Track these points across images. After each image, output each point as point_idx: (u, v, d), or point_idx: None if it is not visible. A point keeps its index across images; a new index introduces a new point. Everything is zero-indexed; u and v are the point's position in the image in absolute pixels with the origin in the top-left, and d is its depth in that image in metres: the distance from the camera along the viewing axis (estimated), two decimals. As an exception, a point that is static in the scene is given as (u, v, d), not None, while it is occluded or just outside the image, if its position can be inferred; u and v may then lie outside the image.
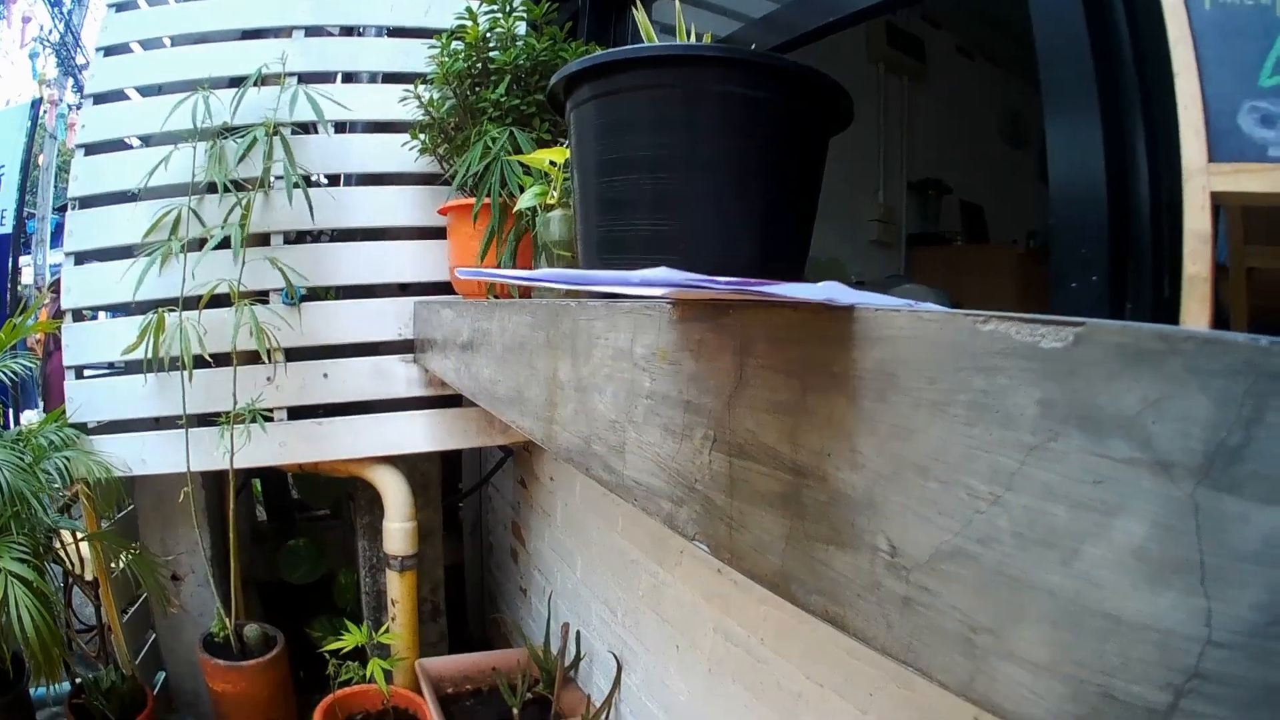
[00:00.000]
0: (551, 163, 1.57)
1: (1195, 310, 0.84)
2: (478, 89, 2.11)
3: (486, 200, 1.82)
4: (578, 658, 2.34)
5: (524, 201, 1.63)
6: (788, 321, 0.63)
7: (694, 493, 0.76)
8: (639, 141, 1.11)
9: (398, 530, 2.52)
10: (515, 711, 2.32)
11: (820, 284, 0.57)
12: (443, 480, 3.05)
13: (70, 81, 11.67)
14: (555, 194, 1.58)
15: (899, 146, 4.73)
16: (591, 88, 1.19)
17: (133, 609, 2.68)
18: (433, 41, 2.19)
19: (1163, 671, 0.39)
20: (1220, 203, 0.86)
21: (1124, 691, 0.40)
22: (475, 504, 3.65)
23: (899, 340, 0.54)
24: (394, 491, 2.52)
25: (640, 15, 1.34)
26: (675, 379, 0.79)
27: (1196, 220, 0.86)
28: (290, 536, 3.17)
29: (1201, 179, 0.86)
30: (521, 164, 1.77)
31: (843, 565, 0.58)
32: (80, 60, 11.51)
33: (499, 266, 1.81)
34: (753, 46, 1.66)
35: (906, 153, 4.74)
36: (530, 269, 1.73)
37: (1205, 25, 0.87)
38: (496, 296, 1.89)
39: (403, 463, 2.55)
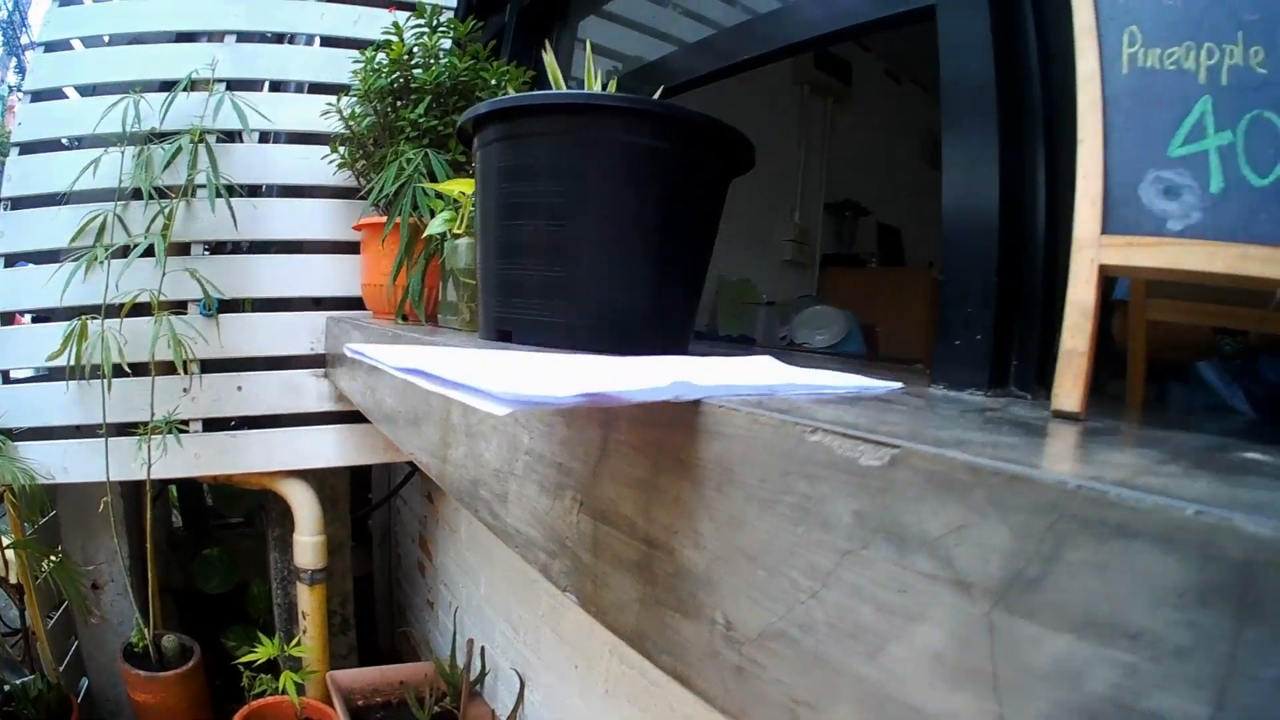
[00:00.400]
0: (462, 192, 1.59)
1: (1069, 385, 0.83)
2: (398, 106, 2.12)
3: (398, 220, 1.83)
4: (483, 673, 2.36)
5: (433, 227, 1.65)
6: (645, 405, 0.66)
7: (565, 548, 0.79)
8: (538, 188, 1.13)
9: (308, 544, 2.52)
10: (423, 725, 2.34)
11: (671, 379, 0.59)
12: (352, 492, 3.05)
13: (14, 62, 11.33)
14: (464, 223, 1.60)
15: (819, 168, 4.80)
16: (496, 130, 1.21)
17: (57, 614, 2.65)
18: (358, 55, 2.20)
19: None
20: (1109, 274, 0.86)
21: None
22: (384, 515, 3.64)
23: (736, 439, 0.57)
24: (304, 505, 2.51)
25: (549, 58, 1.35)
26: (550, 440, 0.82)
27: (1081, 293, 0.85)
28: (205, 543, 3.15)
29: (1091, 251, 0.85)
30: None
31: (687, 632, 0.61)
32: (25, 40, 11.20)
33: (407, 290, 1.83)
34: (684, 75, 1.70)
35: (826, 174, 4.81)
36: (438, 294, 1.75)
37: (1119, 90, 0.87)
38: (405, 317, 1.91)
39: (313, 477, 2.54)
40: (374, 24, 2.44)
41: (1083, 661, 0.38)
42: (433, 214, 1.74)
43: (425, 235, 1.72)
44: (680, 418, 0.62)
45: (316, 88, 2.53)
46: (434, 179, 1.86)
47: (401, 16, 2.23)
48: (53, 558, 2.38)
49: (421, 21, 2.18)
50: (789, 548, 0.52)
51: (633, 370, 0.68)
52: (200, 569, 3.05)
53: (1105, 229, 0.84)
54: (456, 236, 1.60)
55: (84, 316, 2.16)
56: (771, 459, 0.54)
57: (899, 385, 0.94)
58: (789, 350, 3.61)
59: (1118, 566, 0.38)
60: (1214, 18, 0.81)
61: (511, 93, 2.13)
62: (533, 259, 1.15)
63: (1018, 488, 0.41)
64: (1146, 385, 1.56)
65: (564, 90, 1.27)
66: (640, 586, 0.67)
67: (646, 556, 0.66)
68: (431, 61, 2.14)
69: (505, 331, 1.20)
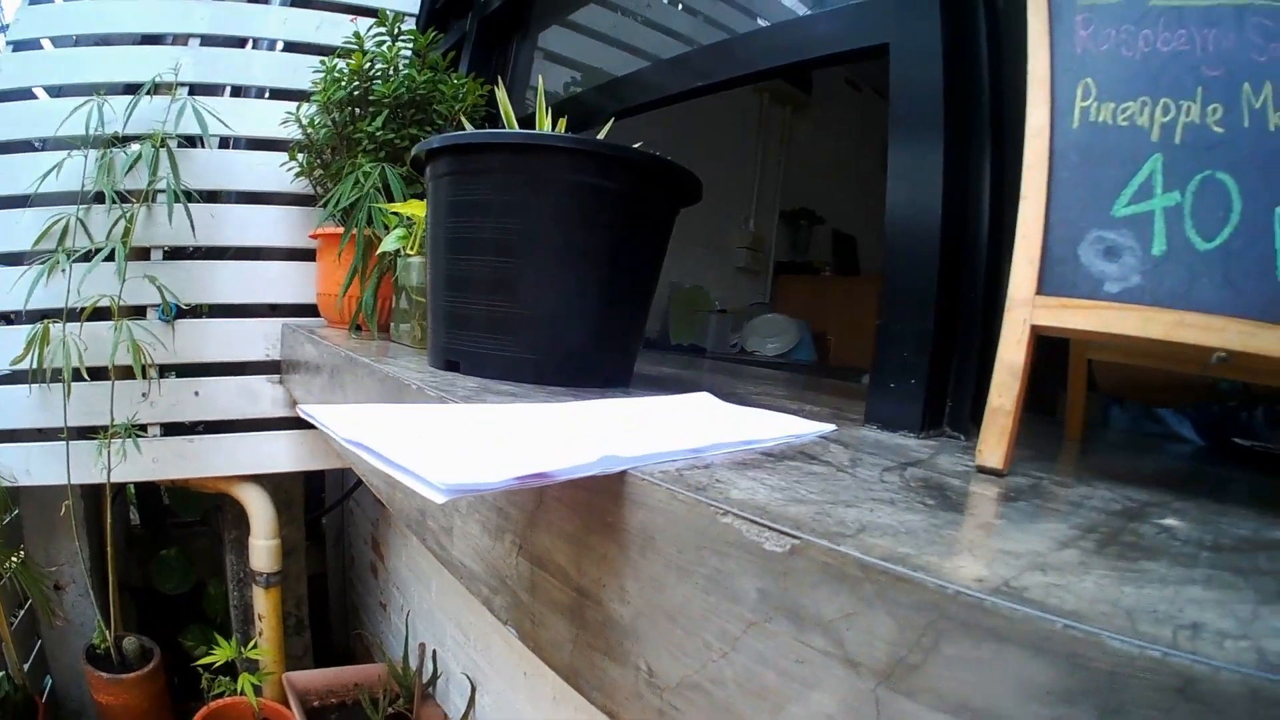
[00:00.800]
0: (414, 213, 1.63)
1: (993, 443, 0.84)
2: (356, 117, 2.14)
3: (354, 234, 1.86)
4: (435, 676, 2.39)
5: (386, 244, 1.68)
6: (578, 469, 0.70)
7: (505, 586, 0.82)
8: (486, 224, 1.16)
9: (263, 548, 2.54)
10: (377, 727, 2.38)
11: (599, 454, 0.63)
12: (306, 492, 3.07)
13: None
14: (416, 242, 1.63)
15: (776, 175, 4.83)
16: (447, 164, 1.23)
17: (20, 615, 2.64)
18: (319, 63, 2.21)
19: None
20: (1042, 334, 0.84)
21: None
22: (337, 516, 3.65)
23: (657, 510, 0.61)
24: (259, 509, 2.53)
25: (500, 94, 1.38)
26: (492, 485, 0.85)
27: (1011, 353, 0.84)
28: (162, 542, 3.16)
29: (1024, 311, 0.84)
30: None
31: (615, 674, 0.66)
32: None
33: (361, 303, 1.86)
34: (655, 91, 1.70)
35: (783, 182, 4.84)
36: (391, 304, 1.78)
37: (1067, 145, 0.85)
38: (358, 328, 1.94)
39: (268, 481, 2.56)
40: (336, 30, 2.47)
41: None
42: (387, 229, 1.76)
43: (379, 252, 1.75)
44: (608, 486, 0.66)
45: (278, 93, 2.55)
46: (390, 194, 1.89)
47: (364, 24, 2.25)
48: (14, 559, 2.38)
49: (383, 30, 2.20)
50: (703, 613, 0.56)
51: (565, 438, 0.72)
52: (158, 569, 3.06)
53: (1041, 289, 0.84)
54: (410, 255, 1.63)
55: (46, 321, 2.17)
56: (688, 533, 0.58)
57: (831, 429, 0.97)
58: (740, 358, 3.65)
59: (991, 664, 0.42)
60: (1174, 72, 0.80)
61: (469, 105, 2.17)
62: (480, 293, 1.19)
63: (902, 587, 0.45)
64: (1099, 409, 1.60)
65: (514, 130, 1.30)
66: (573, 629, 0.71)
67: (578, 604, 0.70)
68: (391, 73, 2.16)
69: (453, 362, 1.23)
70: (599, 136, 1.40)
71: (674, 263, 4.07)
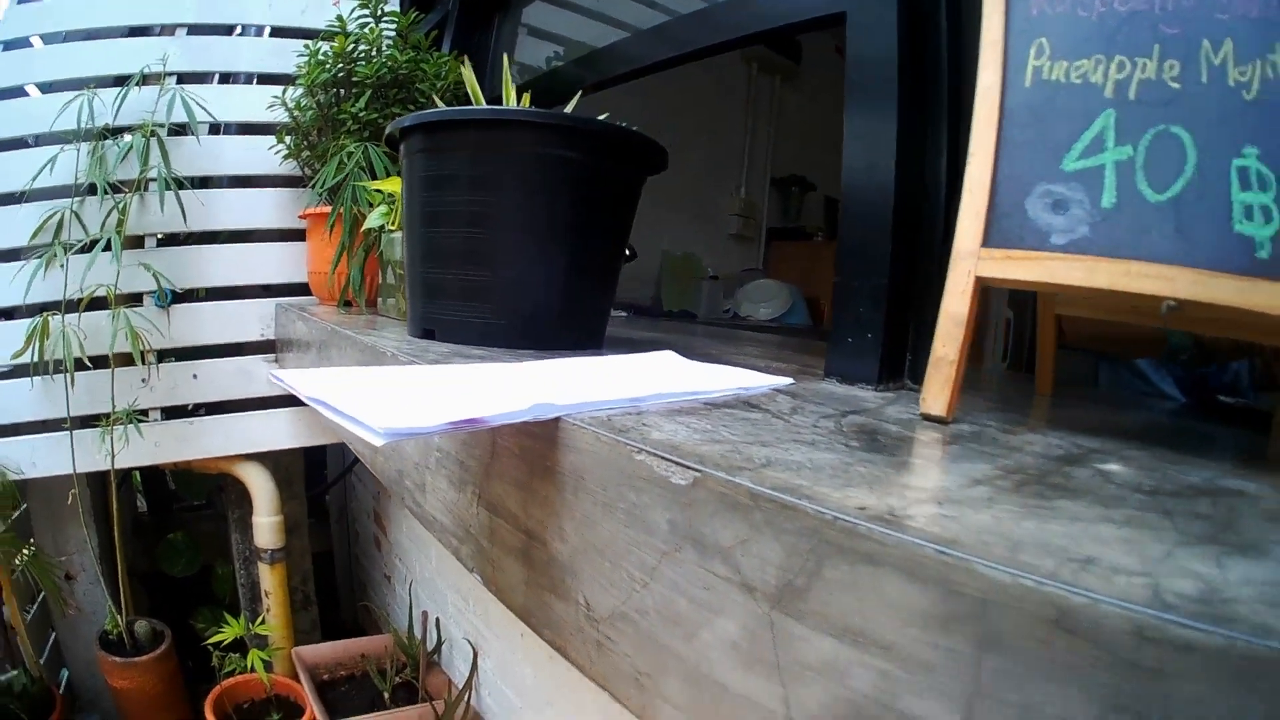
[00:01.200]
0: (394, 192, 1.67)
1: (936, 391, 0.85)
2: (341, 99, 2.18)
3: (340, 212, 1.90)
4: (439, 643, 2.45)
5: (371, 221, 1.72)
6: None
7: (470, 535, 0.87)
8: (458, 197, 1.20)
9: (266, 524, 2.60)
10: (386, 695, 2.43)
11: (531, 402, 0.67)
12: (307, 470, 3.13)
13: None
14: (399, 218, 1.67)
15: (766, 143, 4.84)
16: (419, 141, 1.27)
17: (33, 609, 2.69)
18: (305, 47, 2.24)
19: (758, 732, 0.51)
20: (987, 286, 0.86)
21: (732, 741, 0.52)
22: (340, 493, 3.71)
23: (585, 453, 0.66)
24: (260, 487, 2.59)
25: (467, 72, 1.42)
26: (454, 441, 0.90)
27: (955, 304, 0.86)
28: (169, 527, 3.20)
29: (969, 263, 0.86)
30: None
31: (560, 610, 0.70)
32: None
33: (349, 279, 1.90)
34: (637, 61, 1.71)
35: (773, 149, 4.85)
36: (378, 280, 1.82)
37: (1018, 104, 0.86)
38: (347, 304, 1.98)
39: (268, 458, 2.61)
40: (321, 14, 2.49)
41: (846, 662, 0.46)
42: (372, 205, 1.81)
43: (364, 228, 1.79)
44: (546, 433, 0.71)
45: (266, 78, 2.58)
46: (374, 172, 1.93)
47: (347, 6, 2.28)
48: (26, 551, 2.42)
49: (366, 12, 2.23)
50: (625, 545, 0.61)
51: (508, 390, 0.76)
52: (165, 553, 3.11)
53: (986, 242, 0.85)
54: (393, 230, 1.68)
55: (45, 313, 2.21)
56: (610, 472, 0.63)
57: (788, 382, 1.01)
58: (732, 323, 3.68)
59: (869, 589, 0.45)
60: (1130, 31, 0.81)
61: (450, 83, 2.20)
62: (453, 263, 1.23)
63: (787, 514, 0.49)
64: (1092, 366, 1.61)
65: (481, 106, 1.33)
66: (525, 570, 0.75)
67: (527, 545, 0.74)
68: (375, 54, 2.19)
69: (429, 330, 1.28)
70: (566, 110, 1.43)
71: (665, 231, 4.14)
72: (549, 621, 0.72)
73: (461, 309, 1.23)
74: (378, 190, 1.81)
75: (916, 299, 1.11)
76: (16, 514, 2.56)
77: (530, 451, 0.73)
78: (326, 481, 3.54)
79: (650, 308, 3.97)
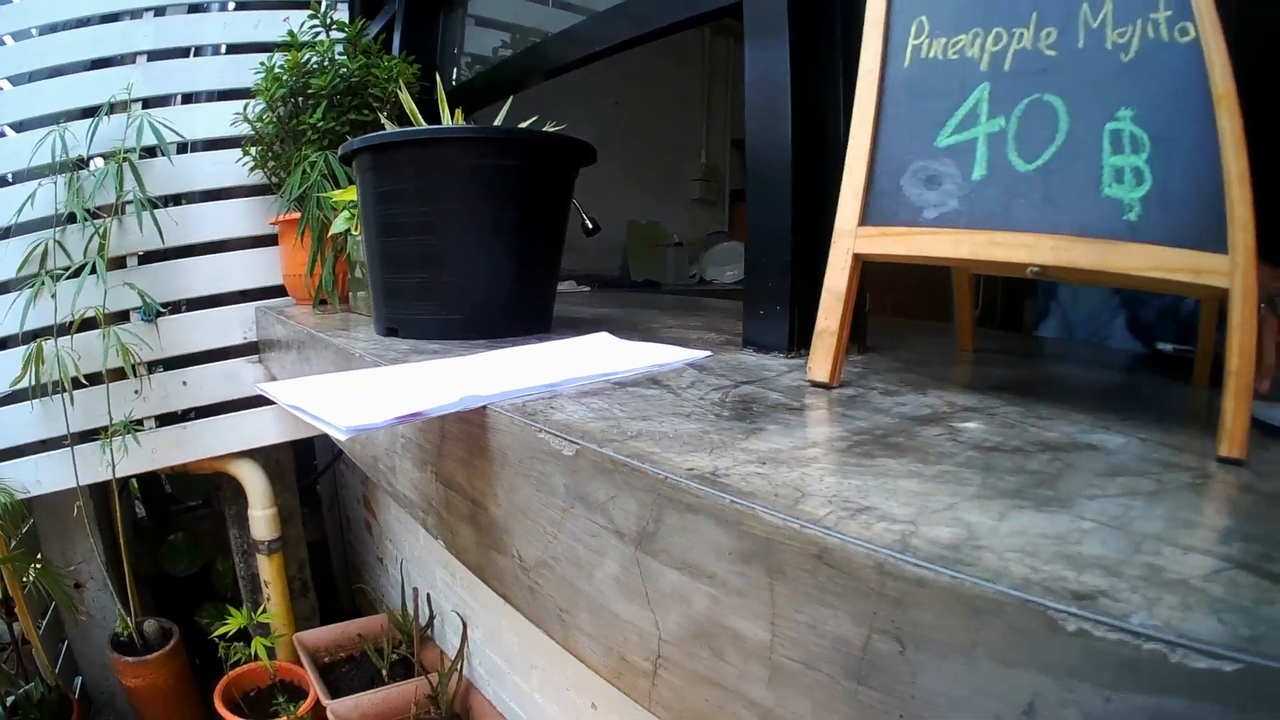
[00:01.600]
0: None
1: (820, 359, 0.93)
2: (299, 110, 2.29)
3: (309, 221, 2.03)
4: (431, 618, 2.58)
5: (336, 226, 1.84)
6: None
7: (432, 507, 1.01)
8: (406, 209, 1.33)
9: (261, 517, 2.74)
10: (384, 672, 2.58)
11: (460, 394, 0.81)
12: (297, 463, 3.25)
13: None
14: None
15: (725, 106, 4.87)
16: (367, 160, 1.39)
17: (45, 621, 2.78)
18: (261, 61, 2.35)
19: (644, 650, 0.63)
20: (867, 261, 0.91)
21: (630, 658, 0.65)
22: (330, 482, 3.83)
23: (505, 433, 0.79)
24: (254, 481, 2.72)
25: (404, 96, 1.53)
26: (414, 429, 1.03)
27: (836, 280, 0.91)
28: (169, 530, 3.32)
29: (848, 241, 0.91)
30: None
31: (502, 564, 0.83)
32: None
33: (320, 283, 2.03)
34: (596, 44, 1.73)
35: (732, 112, 4.88)
36: (348, 275, 1.95)
37: (897, 84, 0.90)
38: (322, 303, 2.11)
39: (259, 454, 2.74)
40: (273, 27, 2.61)
41: (688, 589, 0.58)
42: (336, 212, 1.92)
43: (330, 234, 1.91)
44: (476, 418, 0.84)
45: (226, 94, 2.68)
46: (336, 179, 2.05)
47: (298, 18, 2.40)
48: (35, 565, 2.52)
49: (315, 21, 2.34)
50: (539, 506, 0.74)
51: (444, 385, 0.90)
52: (167, 554, 3.23)
53: (864, 220, 0.90)
54: (356, 235, 1.80)
55: (39, 340, 2.32)
56: (524, 448, 0.76)
57: (704, 355, 1.13)
58: (697, 289, 3.76)
59: (694, 532, 0.57)
60: (1008, 1, 0.84)
61: (402, 86, 2.31)
62: (408, 268, 1.36)
63: (637, 476, 0.62)
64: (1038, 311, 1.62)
65: (419, 127, 1.44)
66: (475, 533, 0.89)
67: (474, 512, 0.88)
68: (327, 63, 2.30)
69: (393, 329, 1.41)
70: (498, 119, 1.55)
71: (630, 200, 4.20)
72: (496, 574, 0.86)
73: (419, 308, 1.37)
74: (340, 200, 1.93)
75: (822, 269, 1.21)
76: (25, 529, 2.66)
77: (468, 434, 0.86)
78: (316, 471, 3.66)
79: (618, 279, 4.03)
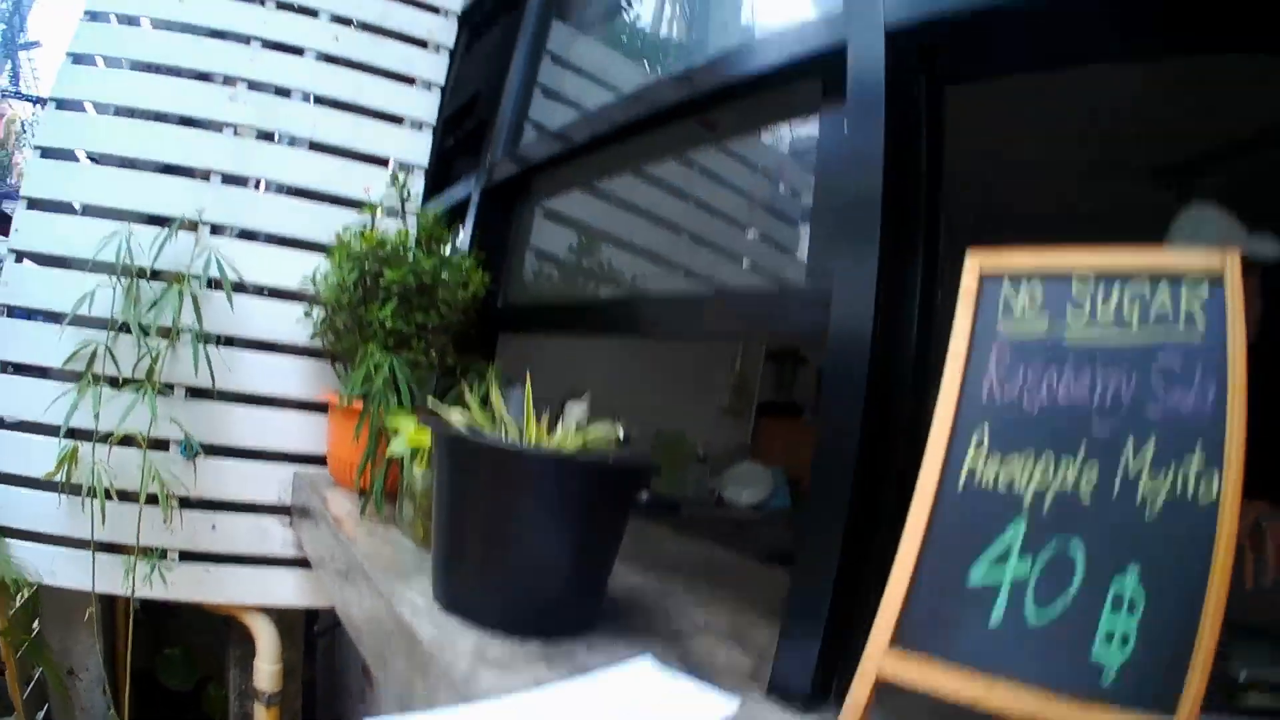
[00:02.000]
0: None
1: None
2: (368, 296, 2.38)
3: (368, 419, 2.13)
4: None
5: (395, 449, 1.90)
6: None
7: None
8: (479, 500, 1.45)
9: (267, 671, 2.78)
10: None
11: None
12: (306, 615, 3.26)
13: (9, 65, 11.11)
14: (424, 459, 1.86)
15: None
16: (445, 447, 1.50)
17: (28, 690, 2.82)
18: (332, 217, 2.50)
19: None
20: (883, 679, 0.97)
21: None
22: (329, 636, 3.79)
23: None
24: (266, 637, 2.77)
25: (473, 401, 1.57)
26: None
27: (859, 693, 0.98)
28: (164, 629, 3.34)
29: (875, 660, 0.97)
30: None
31: None
32: (23, 39, 11.00)
33: (370, 490, 2.12)
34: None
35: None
36: (398, 478, 2.03)
37: (948, 507, 0.97)
38: (363, 492, 2.19)
39: (274, 610, 2.79)
40: (345, 182, 2.77)
41: None
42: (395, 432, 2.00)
43: (387, 455, 2.00)
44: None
45: (292, 242, 2.79)
46: (398, 390, 2.14)
47: (375, 173, 2.54)
48: (30, 638, 2.59)
49: (393, 188, 2.48)
50: None
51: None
52: (163, 666, 3.27)
53: (894, 642, 0.97)
54: (416, 468, 1.88)
55: (75, 441, 2.39)
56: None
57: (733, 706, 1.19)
58: (716, 514, 3.81)
59: None
60: (1063, 426, 0.92)
61: (473, 294, 2.42)
62: (473, 551, 1.48)
63: None
64: None
65: (500, 440, 1.50)
66: None
67: None
68: (401, 251, 2.41)
69: (452, 604, 1.50)
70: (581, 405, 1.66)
71: (660, 406, 4.22)
72: None
73: (480, 592, 1.47)
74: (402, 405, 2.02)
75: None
76: (23, 602, 2.73)
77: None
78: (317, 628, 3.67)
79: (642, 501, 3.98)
